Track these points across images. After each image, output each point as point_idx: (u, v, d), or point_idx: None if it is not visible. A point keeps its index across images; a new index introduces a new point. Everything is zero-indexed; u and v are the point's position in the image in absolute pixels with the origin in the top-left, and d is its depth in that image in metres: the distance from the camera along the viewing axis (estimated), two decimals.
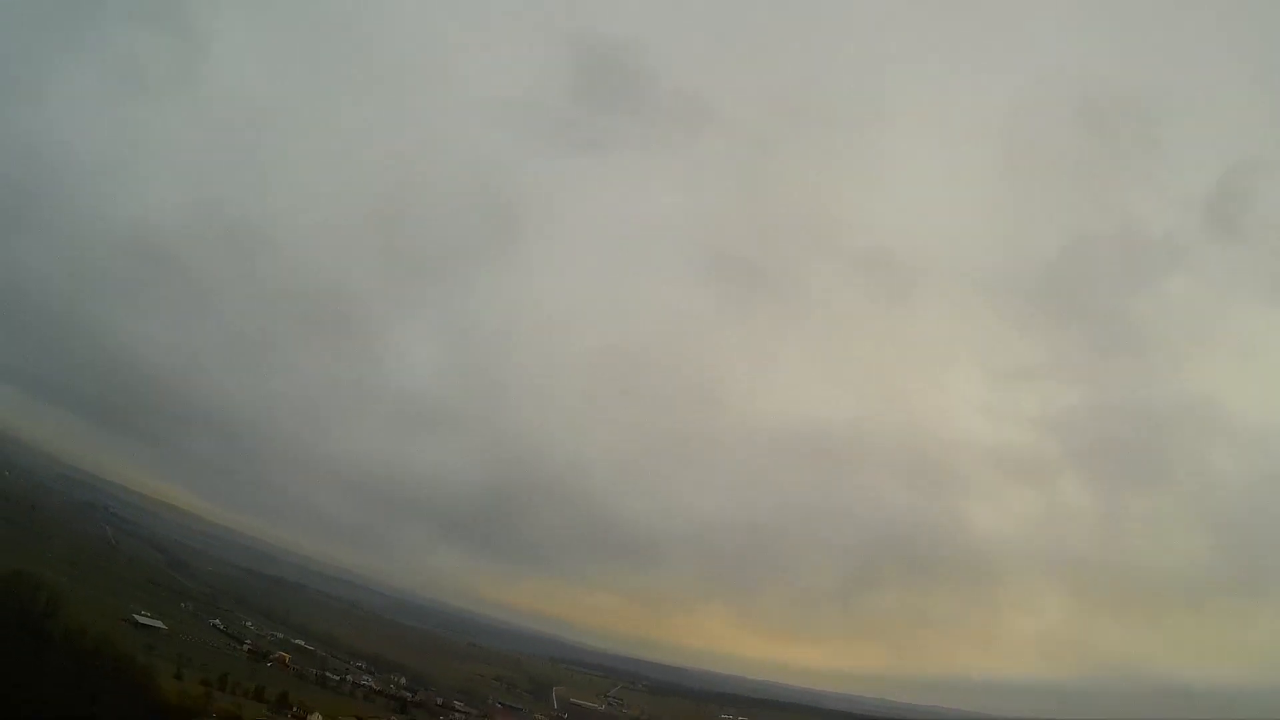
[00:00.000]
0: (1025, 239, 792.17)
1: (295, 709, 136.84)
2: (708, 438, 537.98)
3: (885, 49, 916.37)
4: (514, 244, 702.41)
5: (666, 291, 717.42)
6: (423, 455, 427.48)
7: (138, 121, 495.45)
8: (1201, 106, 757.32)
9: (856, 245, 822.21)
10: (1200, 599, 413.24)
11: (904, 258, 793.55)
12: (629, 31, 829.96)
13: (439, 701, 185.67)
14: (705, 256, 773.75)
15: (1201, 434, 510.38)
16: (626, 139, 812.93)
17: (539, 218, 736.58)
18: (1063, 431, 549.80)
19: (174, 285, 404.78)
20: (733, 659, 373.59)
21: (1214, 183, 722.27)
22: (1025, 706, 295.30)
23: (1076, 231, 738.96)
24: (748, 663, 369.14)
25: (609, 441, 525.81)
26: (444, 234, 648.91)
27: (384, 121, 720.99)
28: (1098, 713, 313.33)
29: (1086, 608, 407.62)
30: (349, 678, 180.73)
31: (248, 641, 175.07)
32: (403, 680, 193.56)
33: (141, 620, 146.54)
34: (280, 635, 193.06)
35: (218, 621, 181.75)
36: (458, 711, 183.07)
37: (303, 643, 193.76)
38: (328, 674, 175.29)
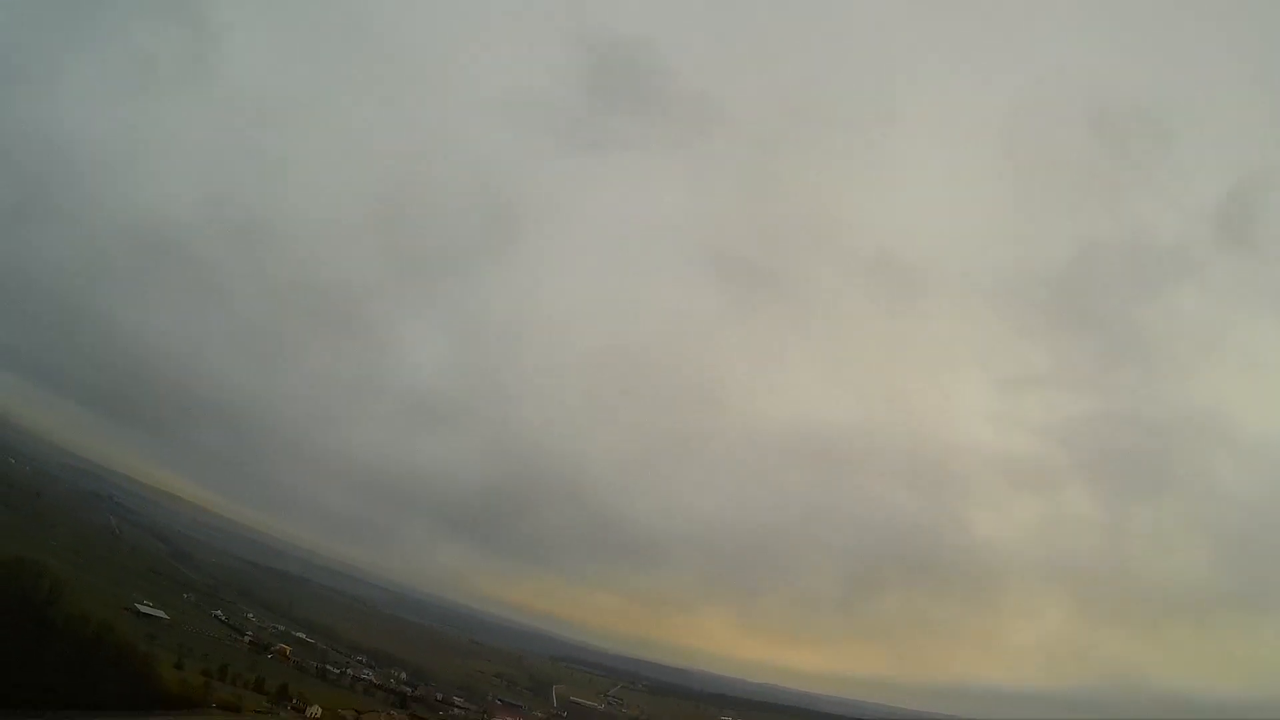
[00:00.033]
0: (1033, 245, 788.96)
1: (295, 701, 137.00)
2: (711, 438, 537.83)
3: (894, 52, 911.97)
4: (520, 242, 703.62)
5: (671, 292, 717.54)
6: (427, 451, 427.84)
7: (149, 115, 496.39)
8: (1213, 116, 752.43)
9: (863, 248, 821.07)
10: (1203, 611, 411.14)
11: (910, 261, 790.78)
12: (635, 31, 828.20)
13: (439, 697, 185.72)
14: (710, 257, 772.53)
15: (1207, 445, 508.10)
16: (632, 139, 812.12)
17: (546, 216, 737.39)
18: (1068, 440, 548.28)
19: (182, 278, 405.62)
20: (733, 661, 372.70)
21: (1224, 193, 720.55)
22: (1026, 714, 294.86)
23: (1085, 239, 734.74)
24: (748, 665, 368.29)
25: (612, 441, 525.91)
26: (451, 232, 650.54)
27: (391, 119, 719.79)
28: None
29: (1088, 617, 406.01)
30: (349, 671, 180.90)
31: (249, 633, 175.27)
32: (403, 675, 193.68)
33: (143, 610, 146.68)
34: (281, 628, 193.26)
35: (219, 613, 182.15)
36: (457, 707, 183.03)
37: (304, 636, 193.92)
38: (328, 667, 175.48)
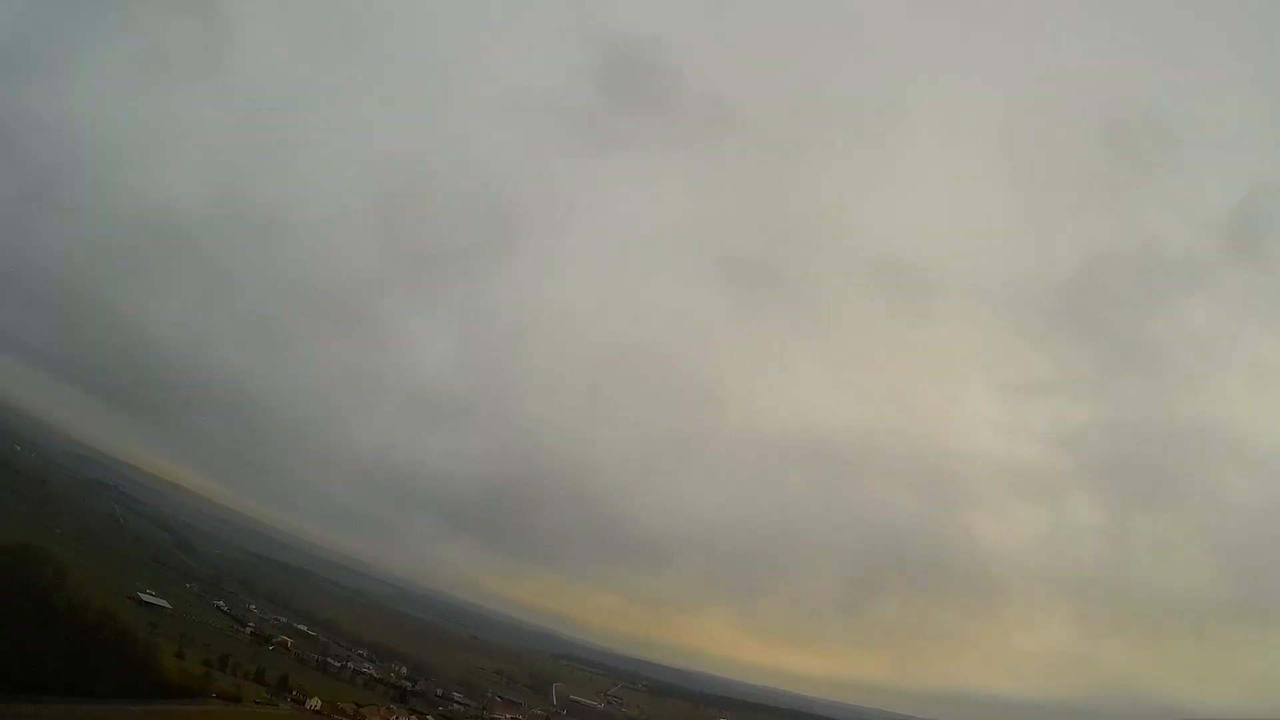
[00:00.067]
0: (1041, 251, 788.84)
1: (295, 693, 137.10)
2: (714, 439, 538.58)
3: (903, 57, 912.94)
4: (526, 241, 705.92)
5: (676, 292, 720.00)
6: (432, 447, 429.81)
7: (159, 107, 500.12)
8: (1223, 126, 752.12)
9: (869, 251, 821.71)
10: (1205, 623, 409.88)
11: (917, 265, 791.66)
12: (643, 31, 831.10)
13: (438, 692, 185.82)
14: (715, 258, 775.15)
15: (1213, 457, 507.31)
16: (639, 138, 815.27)
17: (552, 216, 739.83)
18: (1074, 449, 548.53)
19: (190, 270, 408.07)
20: (733, 663, 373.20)
21: (1235, 205, 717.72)
22: None
23: (1094, 246, 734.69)
24: (748, 667, 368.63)
25: (615, 440, 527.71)
26: (457, 230, 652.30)
27: (399, 118, 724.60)
28: None
29: (1091, 627, 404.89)
30: (350, 665, 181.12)
31: (251, 624, 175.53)
32: (403, 669, 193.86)
33: (146, 598, 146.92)
34: (283, 620, 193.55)
35: (222, 603, 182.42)
36: (456, 703, 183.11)
37: (305, 628, 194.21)
38: (329, 660, 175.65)
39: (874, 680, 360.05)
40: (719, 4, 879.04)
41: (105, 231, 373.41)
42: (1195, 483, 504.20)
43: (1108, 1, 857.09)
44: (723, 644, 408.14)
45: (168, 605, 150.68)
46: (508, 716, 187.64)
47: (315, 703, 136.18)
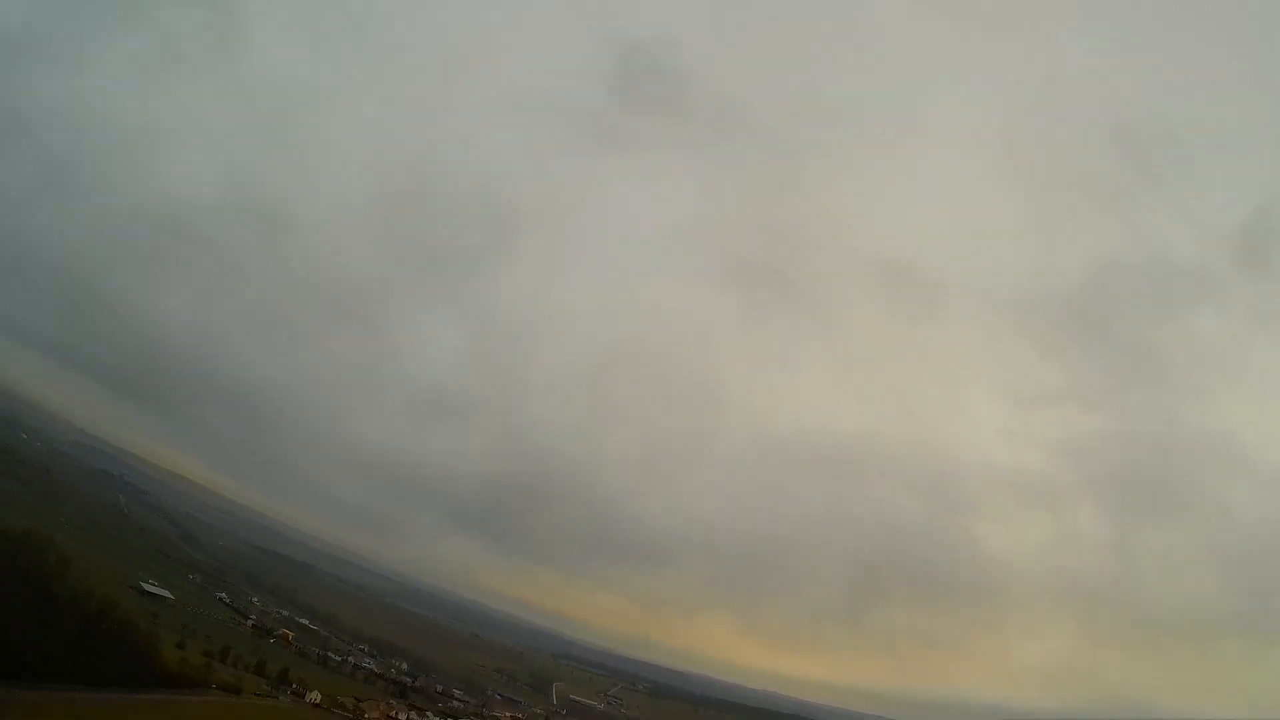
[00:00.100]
0: (1051, 260, 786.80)
1: (295, 686, 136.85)
2: (719, 441, 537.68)
3: (915, 64, 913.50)
4: (535, 240, 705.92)
5: (684, 293, 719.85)
6: (436, 444, 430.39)
7: (172, 98, 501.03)
8: (1235, 138, 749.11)
9: (878, 256, 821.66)
10: (1208, 637, 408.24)
11: (926, 271, 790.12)
12: (656, 33, 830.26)
13: (439, 689, 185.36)
14: (724, 260, 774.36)
15: (1220, 470, 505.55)
16: (649, 139, 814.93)
17: (561, 215, 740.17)
18: (1080, 459, 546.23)
19: (200, 261, 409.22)
20: (734, 666, 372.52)
21: (1246, 217, 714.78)
22: None
23: (1104, 256, 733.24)
24: (749, 671, 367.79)
25: (620, 440, 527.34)
26: (467, 228, 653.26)
27: (411, 115, 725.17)
28: None
29: (1093, 638, 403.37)
30: (351, 659, 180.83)
31: (252, 617, 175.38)
32: (404, 665, 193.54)
33: (148, 589, 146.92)
34: (285, 613, 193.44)
35: (224, 595, 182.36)
36: (457, 700, 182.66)
37: (307, 622, 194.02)
38: (330, 654, 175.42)
39: (874, 687, 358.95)
40: (727, 5, 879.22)
41: (115, 222, 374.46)
42: (1200, 495, 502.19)
43: (1117, 7, 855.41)
44: (723, 647, 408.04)
45: (170, 596, 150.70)
46: (507, 715, 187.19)
47: (315, 696, 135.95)
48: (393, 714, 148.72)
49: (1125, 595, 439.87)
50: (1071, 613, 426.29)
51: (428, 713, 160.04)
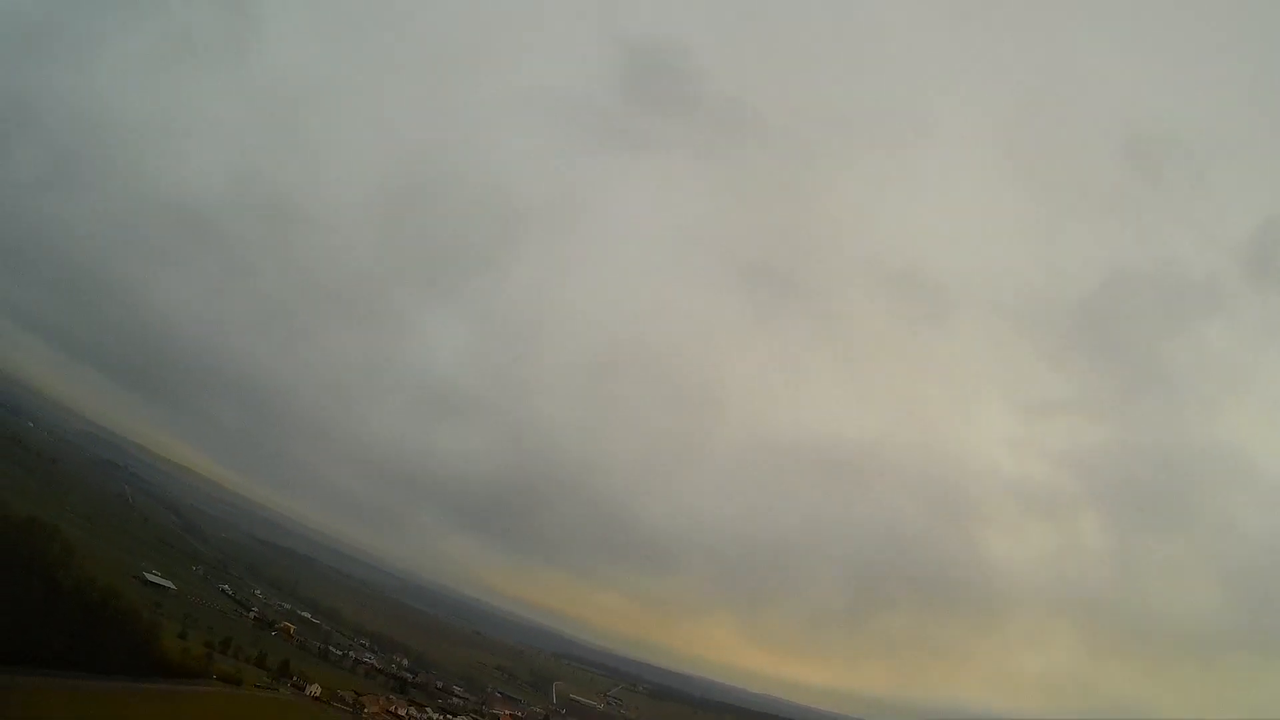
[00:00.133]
0: (1061, 269, 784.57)
1: (295, 678, 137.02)
2: (725, 444, 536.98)
3: (927, 71, 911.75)
4: (544, 239, 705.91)
5: (692, 296, 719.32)
6: (440, 441, 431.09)
7: (183, 91, 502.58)
8: (1247, 150, 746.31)
9: (887, 262, 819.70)
10: (1210, 650, 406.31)
11: (935, 278, 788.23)
12: (670, 35, 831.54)
13: (439, 685, 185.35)
14: (732, 262, 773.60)
15: (1226, 483, 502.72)
16: (660, 140, 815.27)
17: (570, 215, 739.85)
18: (1085, 469, 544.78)
19: (209, 255, 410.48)
20: (735, 669, 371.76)
21: (1256, 228, 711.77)
22: None
23: (1114, 266, 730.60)
24: (750, 674, 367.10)
25: (625, 441, 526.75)
26: (476, 225, 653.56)
27: (422, 112, 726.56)
28: None
29: (1095, 648, 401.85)
30: (351, 654, 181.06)
31: (254, 609, 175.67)
32: (404, 661, 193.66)
33: (151, 579, 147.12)
34: (287, 606, 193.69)
35: (227, 587, 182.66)
36: (456, 697, 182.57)
37: (309, 615, 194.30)
38: (331, 648, 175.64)
39: (875, 693, 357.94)
40: (737, 8, 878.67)
41: (124, 214, 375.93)
42: (1206, 509, 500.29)
43: (1127, 13, 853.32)
44: (725, 650, 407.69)
45: (173, 586, 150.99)
46: (507, 713, 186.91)
47: (315, 689, 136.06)
48: (392, 709, 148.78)
49: (1128, 606, 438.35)
50: (1074, 623, 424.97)
51: (427, 709, 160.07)
